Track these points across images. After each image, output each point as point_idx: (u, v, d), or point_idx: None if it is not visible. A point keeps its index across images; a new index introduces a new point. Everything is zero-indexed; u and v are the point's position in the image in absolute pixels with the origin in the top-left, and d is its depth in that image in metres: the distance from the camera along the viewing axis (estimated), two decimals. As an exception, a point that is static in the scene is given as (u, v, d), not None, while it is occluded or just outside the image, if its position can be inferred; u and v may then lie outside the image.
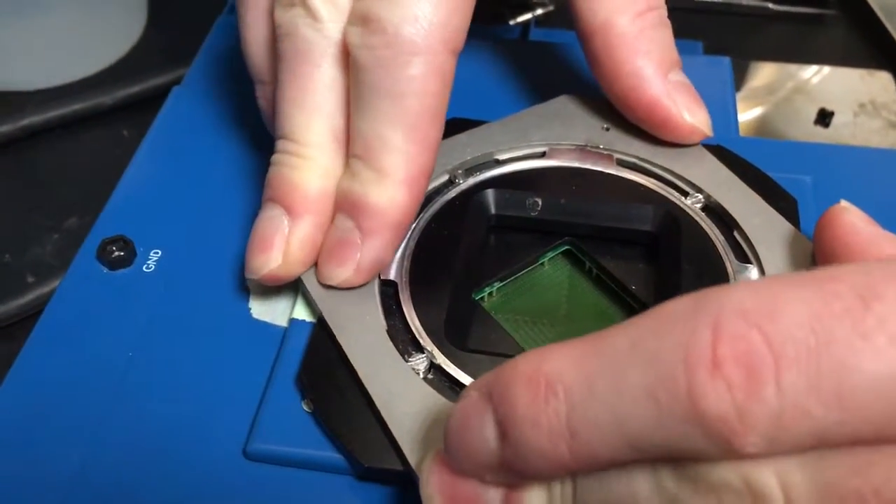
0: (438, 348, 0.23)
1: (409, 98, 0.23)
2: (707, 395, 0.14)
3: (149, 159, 0.31)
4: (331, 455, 0.22)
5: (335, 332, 0.24)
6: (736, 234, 0.27)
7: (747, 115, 0.38)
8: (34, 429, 0.23)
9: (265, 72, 0.27)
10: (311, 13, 0.24)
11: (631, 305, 0.26)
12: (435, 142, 0.24)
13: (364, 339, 0.23)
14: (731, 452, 0.14)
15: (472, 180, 0.28)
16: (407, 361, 0.23)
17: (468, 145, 0.29)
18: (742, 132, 0.34)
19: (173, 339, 0.25)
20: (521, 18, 0.42)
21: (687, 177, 0.28)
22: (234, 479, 0.22)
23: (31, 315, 0.31)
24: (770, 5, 0.44)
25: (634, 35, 0.27)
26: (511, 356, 0.18)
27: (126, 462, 0.22)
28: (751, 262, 0.26)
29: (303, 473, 0.22)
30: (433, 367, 0.23)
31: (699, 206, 0.27)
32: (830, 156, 0.31)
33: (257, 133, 0.32)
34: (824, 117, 0.37)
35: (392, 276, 0.25)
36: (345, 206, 0.24)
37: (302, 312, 0.25)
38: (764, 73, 0.40)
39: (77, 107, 0.38)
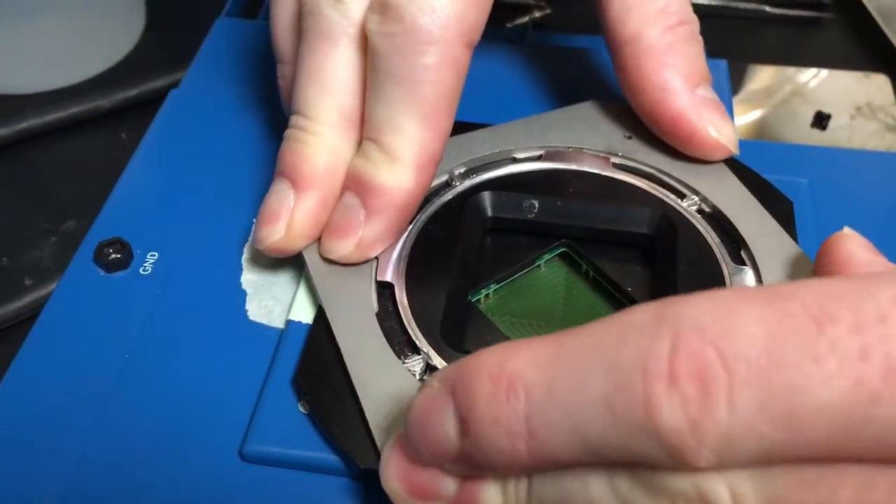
0: (434, 350, 0.23)
1: (423, 86, 0.23)
2: (663, 408, 0.14)
3: (146, 162, 0.31)
4: (327, 456, 0.22)
5: (329, 316, 0.24)
6: (732, 236, 0.27)
7: (744, 118, 0.38)
8: (31, 431, 0.23)
9: (287, 51, 0.27)
10: None
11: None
12: (446, 131, 0.25)
13: (360, 338, 0.23)
14: (684, 464, 0.15)
15: (468, 182, 0.28)
16: (403, 363, 0.23)
17: (486, 141, 0.29)
18: (739, 135, 0.34)
19: (170, 341, 0.25)
20: (518, 21, 0.42)
21: (683, 179, 0.28)
22: (230, 481, 0.22)
23: (28, 318, 0.31)
24: (767, 8, 0.44)
25: (663, 48, 0.27)
26: None
27: (122, 463, 0.22)
28: (746, 265, 0.26)
29: (299, 475, 0.22)
30: (429, 368, 0.23)
31: (695, 208, 0.27)
32: (827, 158, 0.31)
33: (254, 136, 0.32)
34: (821, 120, 0.37)
35: (389, 277, 0.25)
36: (353, 184, 0.25)
37: (298, 314, 0.25)
38: (761, 76, 0.40)
39: (75, 110, 0.38)
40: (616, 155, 0.29)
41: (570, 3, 0.44)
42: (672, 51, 0.27)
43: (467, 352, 0.24)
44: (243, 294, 0.27)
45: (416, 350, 0.24)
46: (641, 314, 0.16)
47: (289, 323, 0.25)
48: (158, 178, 0.31)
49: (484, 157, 0.29)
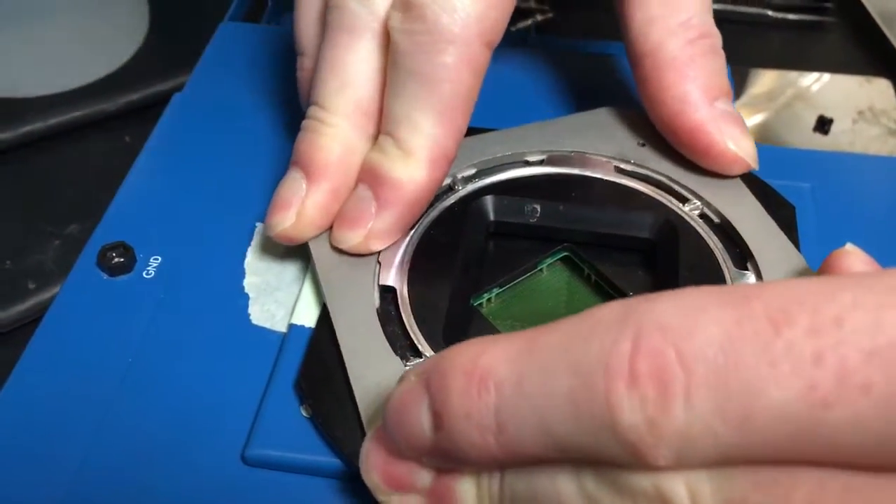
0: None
1: (442, 84, 0.24)
2: (623, 406, 0.15)
3: (149, 166, 0.31)
4: (329, 460, 0.22)
5: (332, 311, 0.24)
6: (734, 241, 0.27)
7: (746, 122, 0.38)
8: (33, 435, 0.23)
9: (310, 44, 0.28)
10: None
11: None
12: (461, 129, 0.25)
13: (360, 334, 0.24)
14: (643, 463, 0.15)
15: (471, 186, 0.28)
16: (405, 366, 0.23)
17: (499, 144, 0.29)
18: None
19: (173, 345, 0.25)
20: (520, 25, 0.42)
21: (685, 182, 0.28)
22: (232, 484, 0.22)
23: (31, 321, 0.31)
24: (769, 13, 0.44)
25: (684, 61, 0.27)
26: None
27: (125, 467, 0.22)
28: (748, 270, 0.26)
29: (301, 479, 0.22)
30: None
31: (697, 213, 0.27)
32: (829, 163, 0.31)
33: (258, 139, 0.32)
34: (823, 124, 0.37)
35: (391, 281, 0.25)
36: (367, 177, 0.25)
37: (301, 318, 0.25)
38: (763, 81, 0.40)
39: (79, 113, 0.38)
40: (628, 162, 0.29)
41: (573, 7, 0.44)
42: (693, 63, 0.27)
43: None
44: (246, 298, 0.27)
45: (418, 353, 0.24)
46: (609, 312, 0.16)
47: (291, 327, 0.25)
48: (162, 181, 0.31)
49: (496, 158, 0.29)
